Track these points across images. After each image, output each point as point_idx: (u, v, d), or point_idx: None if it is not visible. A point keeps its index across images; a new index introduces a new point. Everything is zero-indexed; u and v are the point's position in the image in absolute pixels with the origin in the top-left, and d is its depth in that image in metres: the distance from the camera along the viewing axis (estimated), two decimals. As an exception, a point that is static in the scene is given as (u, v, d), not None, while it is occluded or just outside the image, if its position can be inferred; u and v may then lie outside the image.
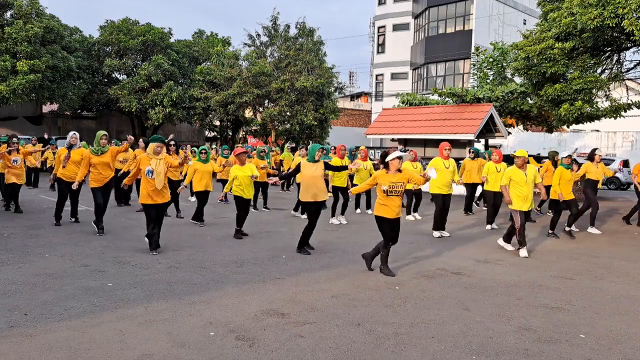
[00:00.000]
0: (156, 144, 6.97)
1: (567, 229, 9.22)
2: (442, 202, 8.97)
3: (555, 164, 11.37)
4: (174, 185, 9.77)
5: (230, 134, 28.41)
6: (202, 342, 3.99)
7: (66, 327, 4.21)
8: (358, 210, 11.76)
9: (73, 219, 9.52)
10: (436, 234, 9.00)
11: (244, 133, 29.24)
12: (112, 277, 5.76)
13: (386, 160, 6.16)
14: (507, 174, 7.63)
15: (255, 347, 3.91)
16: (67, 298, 4.97)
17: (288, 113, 23.88)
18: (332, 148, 14.87)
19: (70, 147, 9.34)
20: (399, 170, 6.15)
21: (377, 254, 6.34)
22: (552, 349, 4.02)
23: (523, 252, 7.47)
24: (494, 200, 9.97)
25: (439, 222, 9.03)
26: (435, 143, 17.77)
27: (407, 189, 11.26)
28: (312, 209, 7.23)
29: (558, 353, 3.95)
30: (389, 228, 6.14)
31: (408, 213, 11.34)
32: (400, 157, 6.10)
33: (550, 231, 9.16)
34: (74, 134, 9.53)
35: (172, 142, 10.89)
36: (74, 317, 4.46)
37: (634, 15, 10.18)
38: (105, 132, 8.63)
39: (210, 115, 25.77)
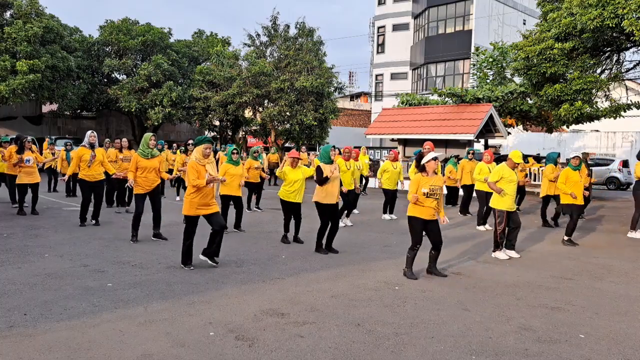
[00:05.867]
0: (204, 146, 6.04)
1: (565, 238, 8.53)
2: None
3: (588, 165, 11.33)
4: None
5: (230, 133, 28.42)
6: (202, 342, 3.98)
7: (66, 327, 4.21)
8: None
9: (94, 222, 9.19)
10: None
11: (243, 133, 29.25)
12: (112, 277, 5.76)
13: (422, 163, 6.02)
14: (498, 172, 7.35)
15: (255, 347, 3.91)
16: (67, 298, 4.97)
17: (288, 113, 23.88)
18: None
19: (92, 146, 9.08)
20: (435, 173, 6.05)
21: (413, 259, 6.13)
22: (551, 349, 4.02)
23: (501, 255, 7.24)
24: (487, 200, 10.00)
25: None
26: (435, 143, 17.77)
27: (385, 189, 11.14)
28: (326, 210, 7.20)
29: (558, 353, 3.95)
30: (421, 229, 6.00)
31: (384, 212, 11.29)
32: (435, 158, 5.95)
33: (565, 238, 8.54)
34: (93, 132, 9.24)
35: (190, 142, 10.84)
36: (74, 317, 4.46)
37: (634, 15, 10.17)
38: (153, 134, 7.84)
39: (210, 115, 25.78)
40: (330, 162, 7.31)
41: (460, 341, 4.14)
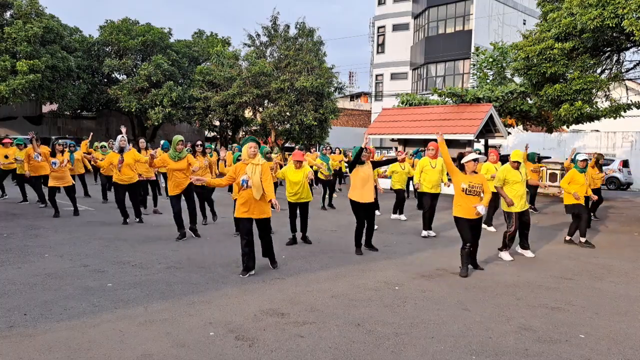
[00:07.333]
0: (248, 145, 5.87)
1: (582, 239, 8.39)
2: (430, 201, 8.99)
3: (600, 166, 11.35)
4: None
5: (230, 134, 28.41)
6: (202, 342, 3.98)
7: (66, 327, 4.21)
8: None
9: (138, 219, 9.53)
10: (424, 233, 9.01)
11: (243, 133, 29.25)
12: (112, 277, 5.76)
13: (462, 162, 6.33)
14: (501, 175, 7.36)
15: (255, 347, 3.91)
16: (67, 298, 4.97)
17: (288, 113, 23.87)
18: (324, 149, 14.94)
19: (121, 150, 9.17)
20: (475, 172, 6.34)
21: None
22: (551, 349, 4.02)
23: (506, 256, 7.21)
24: (494, 200, 10.00)
25: (428, 222, 9.03)
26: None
27: (396, 189, 11.17)
28: (360, 209, 7.29)
29: (558, 353, 3.95)
30: (468, 228, 6.28)
31: (394, 212, 11.26)
32: (476, 160, 6.27)
33: (567, 237, 8.55)
34: (123, 137, 9.28)
35: (199, 143, 10.58)
36: (74, 317, 4.46)
37: (634, 15, 10.16)
38: (182, 138, 8.03)
39: (210, 115, 25.77)
40: (362, 162, 7.38)
41: (460, 341, 4.14)
